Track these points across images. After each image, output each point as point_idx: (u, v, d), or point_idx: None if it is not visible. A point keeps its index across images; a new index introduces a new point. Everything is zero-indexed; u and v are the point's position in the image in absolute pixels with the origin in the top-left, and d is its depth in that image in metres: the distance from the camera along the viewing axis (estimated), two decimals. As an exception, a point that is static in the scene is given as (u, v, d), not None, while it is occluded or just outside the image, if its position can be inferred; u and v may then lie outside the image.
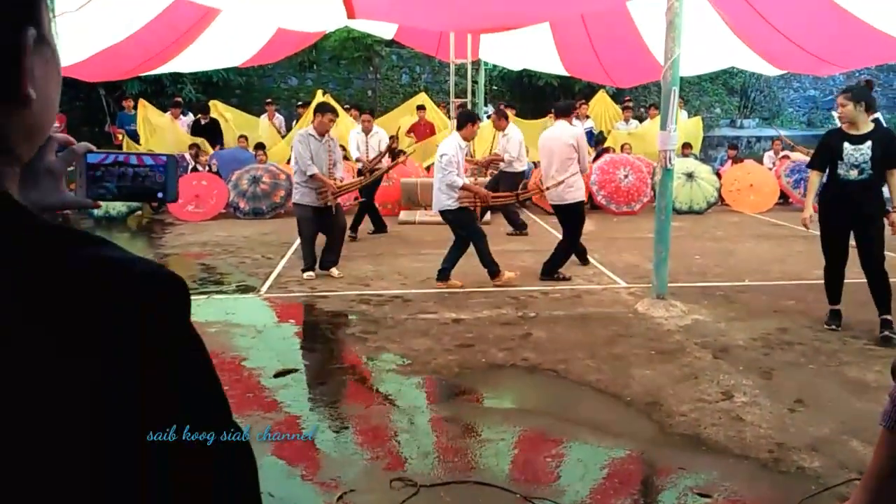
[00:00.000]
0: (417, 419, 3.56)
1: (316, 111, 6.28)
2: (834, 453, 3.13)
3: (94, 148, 0.81)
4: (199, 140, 11.48)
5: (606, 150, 11.42)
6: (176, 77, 13.63)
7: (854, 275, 6.49)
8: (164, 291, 0.55)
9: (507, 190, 7.77)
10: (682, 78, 5.56)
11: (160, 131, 11.75)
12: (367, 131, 8.40)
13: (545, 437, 3.39)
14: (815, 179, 4.88)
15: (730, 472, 3.01)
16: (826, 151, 4.75)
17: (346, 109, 11.85)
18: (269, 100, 13.77)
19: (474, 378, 4.08)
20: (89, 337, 0.50)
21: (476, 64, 12.19)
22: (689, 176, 10.34)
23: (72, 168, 0.79)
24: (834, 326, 4.85)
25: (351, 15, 4.58)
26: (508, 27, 6.58)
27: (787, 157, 11.51)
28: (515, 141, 8.34)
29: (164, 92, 13.96)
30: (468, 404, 3.80)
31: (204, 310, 5.50)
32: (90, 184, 0.81)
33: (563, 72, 10.49)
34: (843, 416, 3.49)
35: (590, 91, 14.60)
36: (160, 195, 0.85)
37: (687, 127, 12.52)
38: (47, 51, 0.59)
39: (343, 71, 17.25)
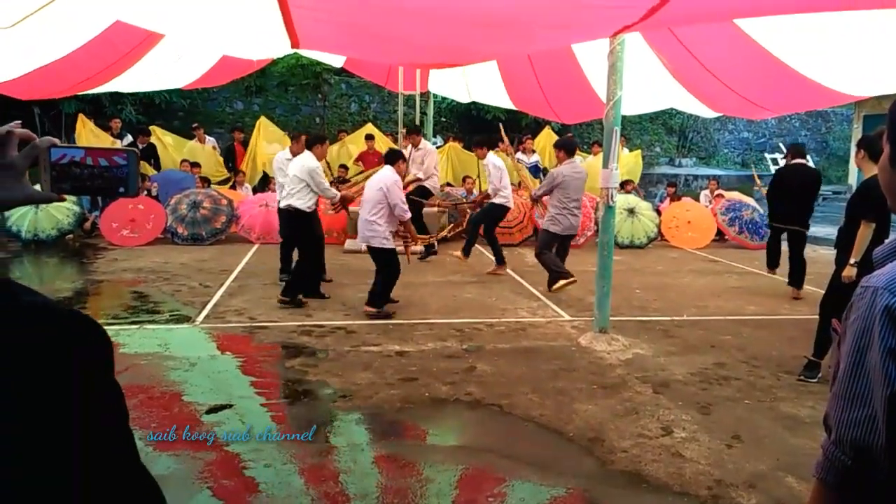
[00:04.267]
0: (358, 457, 3.45)
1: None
2: (770, 490, 3.17)
3: (57, 142, 0.81)
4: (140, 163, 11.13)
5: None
6: (116, 97, 13.26)
7: (786, 311, 6.74)
8: (87, 336, 0.56)
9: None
10: (624, 117, 5.72)
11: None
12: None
13: (488, 475, 3.33)
14: (869, 233, 4.47)
15: (670, 510, 3.02)
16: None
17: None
18: (195, 124, 13.44)
19: (417, 413, 4.00)
20: (11, 378, 0.50)
21: (425, 95, 12.29)
22: (631, 212, 10.61)
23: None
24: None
25: (295, 45, 4.54)
26: (456, 64, 6.66)
27: (721, 195, 11.95)
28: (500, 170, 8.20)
29: (103, 112, 13.53)
30: (410, 441, 3.72)
31: (136, 340, 5.26)
32: (54, 179, 0.81)
33: (510, 105, 10.66)
34: (778, 452, 3.56)
35: (536, 126, 14.91)
36: (121, 190, 0.86)
37: (628, 160, 12.91)
38: None
39: (291, 97, 17.13)
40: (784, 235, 7.46)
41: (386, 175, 6.05)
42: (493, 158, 8.09)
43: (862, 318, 1.00)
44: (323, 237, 6.81)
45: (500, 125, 9.86)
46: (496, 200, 8.00)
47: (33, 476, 0.50)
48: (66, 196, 0.87)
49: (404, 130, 10.81)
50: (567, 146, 7.11)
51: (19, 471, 0.49)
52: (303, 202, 6.33)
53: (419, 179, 8.74)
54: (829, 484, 1.07)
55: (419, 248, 8.19)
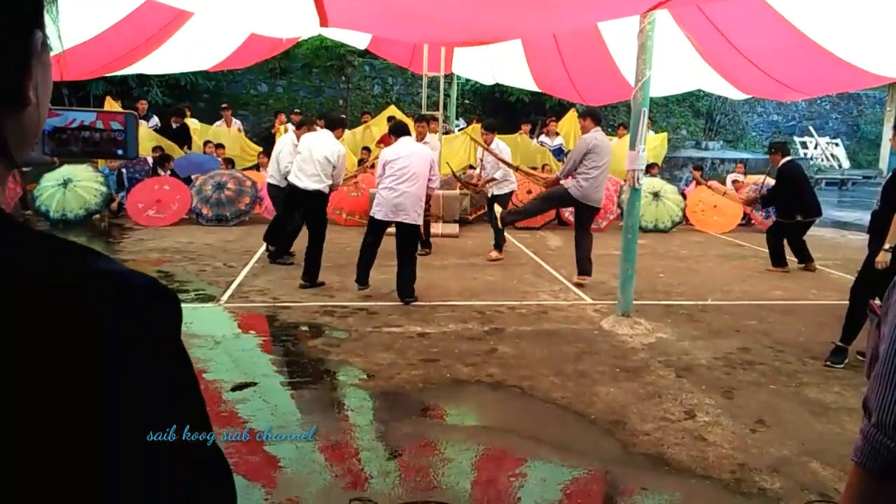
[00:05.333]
0: (379, 436, 3.49)
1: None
2: (794, 475, 3.14)
3: (50, 106, 0.81)
4: (166, 143, 11.25)
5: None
6: (143, 79, 13.40)
7: (813, 296, 6.64)
8: (161, 304, 0.56)
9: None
10: (650, 99, 5.63)
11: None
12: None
13: (509, 456, 3.34)
14: None
15: (693, 494, 3.01)
16: None
17: (313, 119, 11.74)
18: (224, 105, 13.54)
19: (438, 394, 4.02)
20: (89, 346, 0.49)
21: (449, 77, 12.22)
22: (656, 195, 10.48)
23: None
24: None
25: (324, 23, 4.52)
26: (481, 42, 6.59)
27: (738, 181, 11.76)
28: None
29: (130, 94, 13.67)
30: (431, 421, 3.74)
31: (162, 318, 5.33)
32: (49, 141, 0.82)
33: (534, 88, 10.57)
34: (803, 438, 3.52)
35: (560, 108, 14.77)
36: (120, 152, 0.87)
37: (654, 143, 12.73)
38: (46, 56, 0.58)
39: (314, 79, 17.16)
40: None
41: (425, 148, 6.01)
42: (501, 144, 8.06)
43: None
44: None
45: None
46: (507, 188, 8.02)
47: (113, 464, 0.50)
48: (59, 159, 0.91)
49: (413, 118, 10.58)
50: (594, 114, 6.79)
51: (94, 455, 0.49)
52: (324, 184, 6.35)
53: (493, 179, 8.02)
54: (870, 469, 1.04)
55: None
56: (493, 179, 8.01)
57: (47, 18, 0.57)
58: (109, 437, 0.49)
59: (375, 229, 6.01)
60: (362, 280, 6.06)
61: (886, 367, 1.00)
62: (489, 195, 8.15)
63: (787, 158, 7.70)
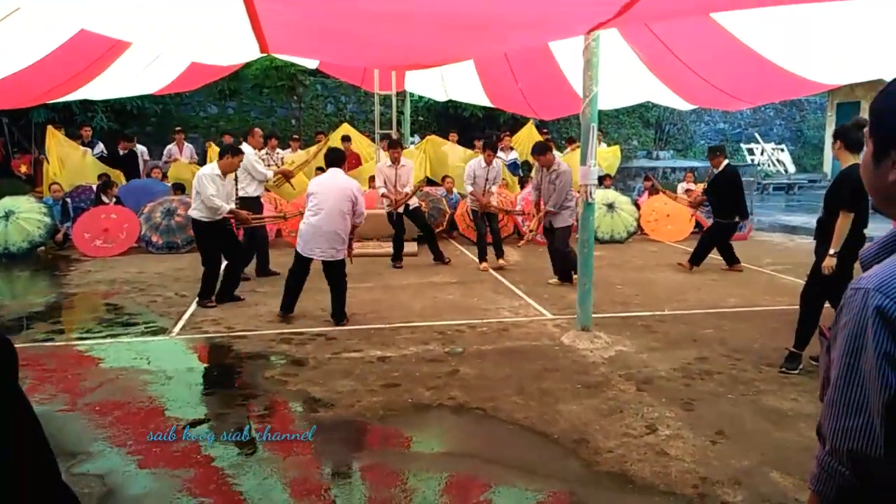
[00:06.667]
0: (341, 467, 3.39)
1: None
2: (756, 486, 3.16)
3: None
4: (113, 171, 10.95)
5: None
6: (86, 105, 13.03)
7: (766, 302, 6.77)
8: None
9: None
10: (600, 111, 5.70)
11: (70, 161, 11.14)
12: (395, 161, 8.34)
13: (473, 482, 3.28)
14: (848, 223, 4.44)
15: (657, 511, 2.99)
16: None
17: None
18: (178, 127, 13.29)
19: (400, 420, 3.94)
20: None
21: (401, 95, 12.22)
22: (610, 206, 10.62)
23: None
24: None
25: (264, 50, 4.44)
26: (429, 65, 6.60)
27: (690, 190, 12.01)
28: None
29: (73, 120, 13.29)
30: (394, 450, 3.66)
31: (111, 354, 5.14)
32: None
33: (487, 103, 10.62)
34: (762, 447, 3.55)
35: (514, 122, 14.89)
36: None
37: (606, 155, 12.91)
38: None
39: (266, 99, 16.96)
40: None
41: (349, 182, 5.87)
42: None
43: (854, 322, 0.96)
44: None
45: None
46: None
47: None
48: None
49: (385, 143, 10.63)
50: (546, 146, 7.67)
51: None
52: (197, 213, 6.50)
53: (407, 195, 8.38)
54: (827, 496, 1.03)
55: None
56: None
57: None
58: None
59: (299, 259, 5.96)
60: (285, 307, 6.02)
61: (837, 393, 0.99)
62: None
63: (726, 161, 8.12)
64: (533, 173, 8.57)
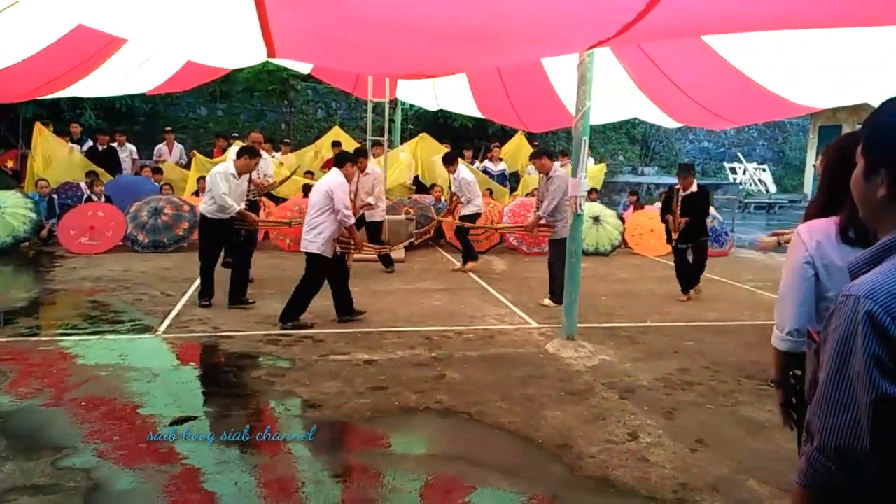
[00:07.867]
0: (326, 468, 3.42)
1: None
2: (733, 493, 3.24)
3: None
4: (97, 168, 10.90)
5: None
6: (75, 102, 12.95)
7: (745, 317, 6.90)
8: None
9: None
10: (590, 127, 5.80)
11: (57, 158, 11.08)
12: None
13: (457, 484, 3.33)
14: None
15: (637, 515, 3.06)
16: None
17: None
18: (168, 128, 13.28)
19: (386, 423, 3.99)
20: None
21: (393, 103, 12.27)
22: (596, 219, 10.76)
23: None
24: None
25: (272, 54, 4.49)
26: (428, 75, 6.69)
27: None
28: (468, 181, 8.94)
29: (62, 117, 13.20)
30: (379, 451, 3.70)
31: (95, 351, 5.13)
32: None
33: (477, 114, 10.72)
34: (740, 456, 3.64)
35: (503, 134, 15.01)
36: None
37: (594, 172, 13.08)
38: None
39: (256, 103, 16.95)
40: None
41: (332, 178, 5.96)
42: (464, 173, 8.96)
43: (844, 326, 1.02)
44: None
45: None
46: (470, 210, 8.89)
47: None
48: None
49: (374, 150, 10.71)
50: (549, 153, 7.57)
51: None
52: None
53: (369, 205, 8.28)
54: (814, 491, 1.08)
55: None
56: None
57: None
58: None
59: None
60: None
61: (827, 392, 1.05)
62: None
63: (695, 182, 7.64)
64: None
